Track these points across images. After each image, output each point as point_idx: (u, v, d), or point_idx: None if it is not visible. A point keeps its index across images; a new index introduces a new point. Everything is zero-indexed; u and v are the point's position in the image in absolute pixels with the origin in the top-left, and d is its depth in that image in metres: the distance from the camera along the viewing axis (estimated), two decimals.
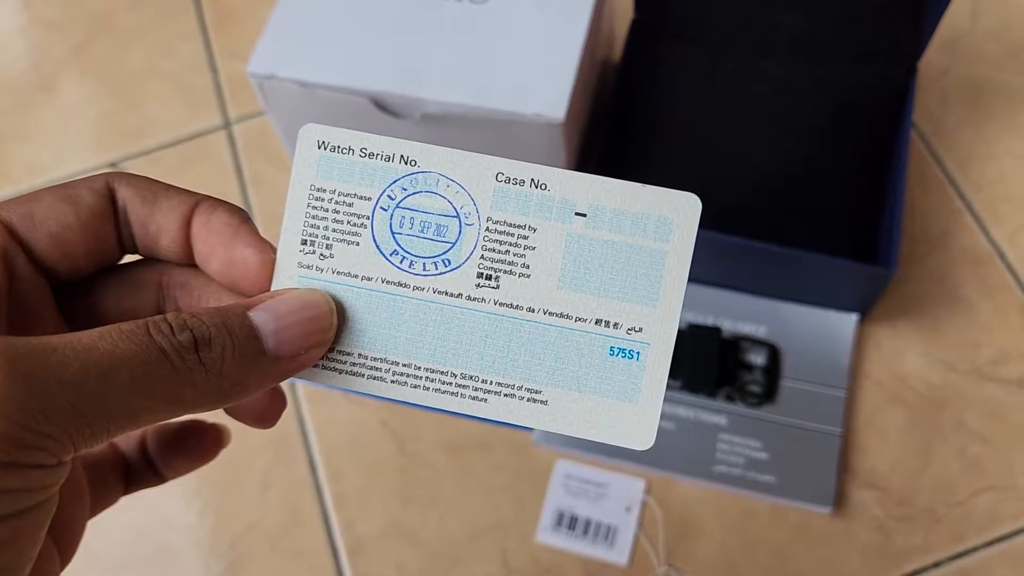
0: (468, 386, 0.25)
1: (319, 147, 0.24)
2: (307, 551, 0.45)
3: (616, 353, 0.24)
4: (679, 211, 0.24)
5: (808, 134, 0.47)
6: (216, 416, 0.24)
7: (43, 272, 0.22)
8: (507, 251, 0.24)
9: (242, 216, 0.23)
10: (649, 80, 0.48)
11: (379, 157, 0.24)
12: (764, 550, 0.43)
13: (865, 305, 0.46)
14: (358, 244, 0.24)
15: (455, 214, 0.24)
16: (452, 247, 0.24)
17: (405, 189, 0.24)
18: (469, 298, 0.24)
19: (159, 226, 0.23)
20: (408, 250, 0.24)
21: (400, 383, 0.25)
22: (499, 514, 0.45)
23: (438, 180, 0.24)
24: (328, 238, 0.24)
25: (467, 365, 0.25)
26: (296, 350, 0.22)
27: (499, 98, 0.41)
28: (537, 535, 0.44)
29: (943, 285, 0.49)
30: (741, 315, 0.47)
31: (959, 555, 0.43)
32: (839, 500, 0.44)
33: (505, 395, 0.24)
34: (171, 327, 0.20)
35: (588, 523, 0.44)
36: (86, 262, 0.23)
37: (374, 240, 0.24)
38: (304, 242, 0.24)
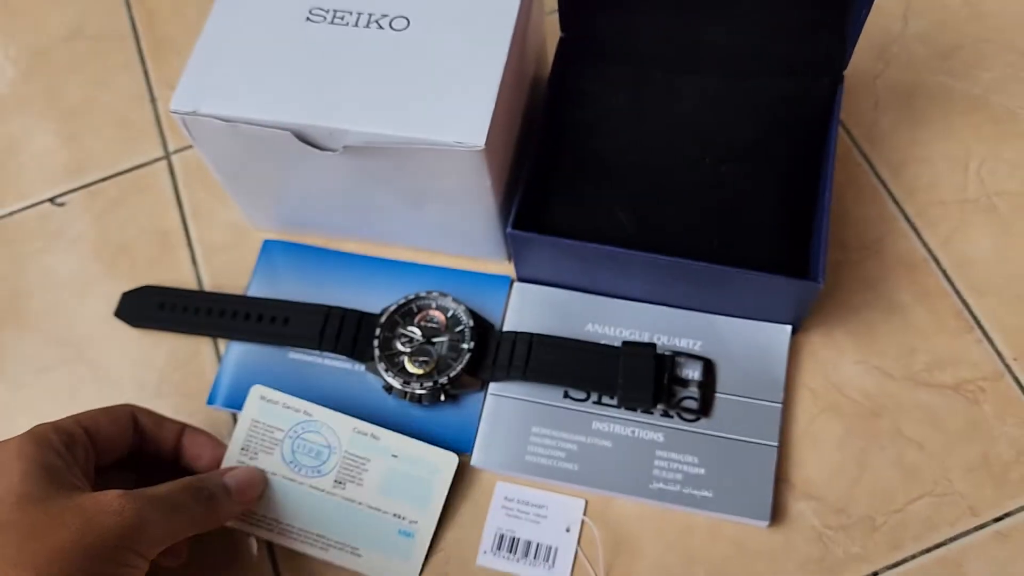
0: (319, 541, 0.44)
1: (260, 399, 0.46)
2: None
3: (401, 533, 0.44)
4: (444, 460, 0.45)
5: (736, 148, 0.47)
6: None
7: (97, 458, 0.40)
8: (352, 470, 0.44)
9: (211, 435, 0.44)
10: (577, 99, 0.49)
11: (291, 408, 0.45)
12: (703, 566, 0.43)
13: (798, 316, 0.46)
14: (271, 454, 0.45)
15: (327, 445, 0.45)
16: (323, 464, 0.45)
17: (303, 428, 0.45)
18: (328, 492, 0.44)
19: (163, 439, 0.43)
20: (299, 462, 0.45)
21: (282, 534, 0.44)
22: (440, 539, 0.45)
23: (321, 426, 0.45)
24: (256, 449, 0.45)
25: (322, 528, 0.44)
26: (246, 499, 0.42)
27: (419, 127, 0.41)
28: (478, 559, 0.44)
29: (878, 292, 0.49)
30: (676, 330, 0.47)
31: (897, 563, 0.43)
32: (776, 512, 0.44)
33: (338, 549, 0.44)
34: (201, 486, 0.40)
35: (528, 545, 0.44)
36: (119, 455, 0.41)
37: (281, 454, 0.45)
38: (243, 449, 0.45)
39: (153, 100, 0.59)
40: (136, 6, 0.63)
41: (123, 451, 0.41)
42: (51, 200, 0.56)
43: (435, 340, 0.47)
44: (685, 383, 0.46)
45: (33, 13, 0.63)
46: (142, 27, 0.62)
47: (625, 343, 0.46)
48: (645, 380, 0.45)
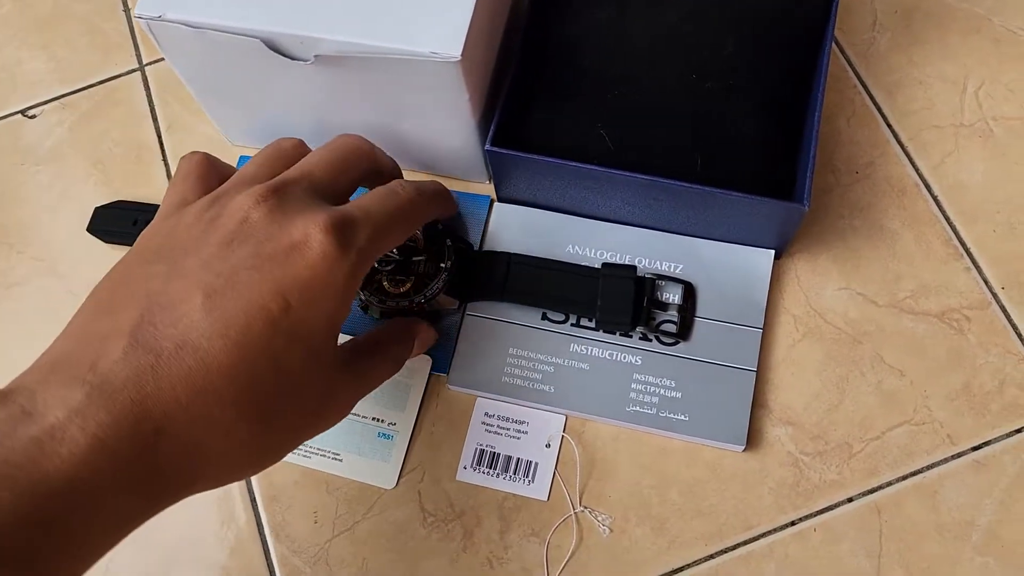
0: (302, 448, 0.45)
1: None
2: (222, 500, 0.45)
3: (381, 435, 0.45)
4: (418, 363, 0.46)
5: (723, 64, 0.45)
6: None
7: None
8: None
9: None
10: (560, 12, 0.47)
11: None
12: (677, 488, 0.43)
13: (782, 240, 0.45)
14: None
15: None
16: None
17: None
18: None
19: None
20: None
21: None
22: (418, 457, 0.45)
23: None
24: None
25: None
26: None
27: (392, 36, 0.39)
28: (457, 474, 0.44)
29: (866, 218, 0.48)
30: (657, 253, 0.46)
31: (872, 490, 0.43)
32: (753, 437, 0.44)
33: (320, 455, 0.45)
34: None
35: (508, 460, 0.44)
36: None
37: None
38: None
39: (126, 9, 0.57)
40: None
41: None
42: (23, 112, 0.54)
43: (413, 259, 0.46)
44: (664, 306, 0.45)
45: None
46: None
47: (605, 264, 0.45)
48: (624, 302, 0.44)
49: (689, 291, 0.45)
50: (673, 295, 0.45)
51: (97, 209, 0.50)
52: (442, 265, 0.45)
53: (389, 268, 0.45)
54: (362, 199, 0.36)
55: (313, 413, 0.34)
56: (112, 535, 0.29)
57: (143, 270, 0.32)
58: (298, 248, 0.32)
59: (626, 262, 0.46)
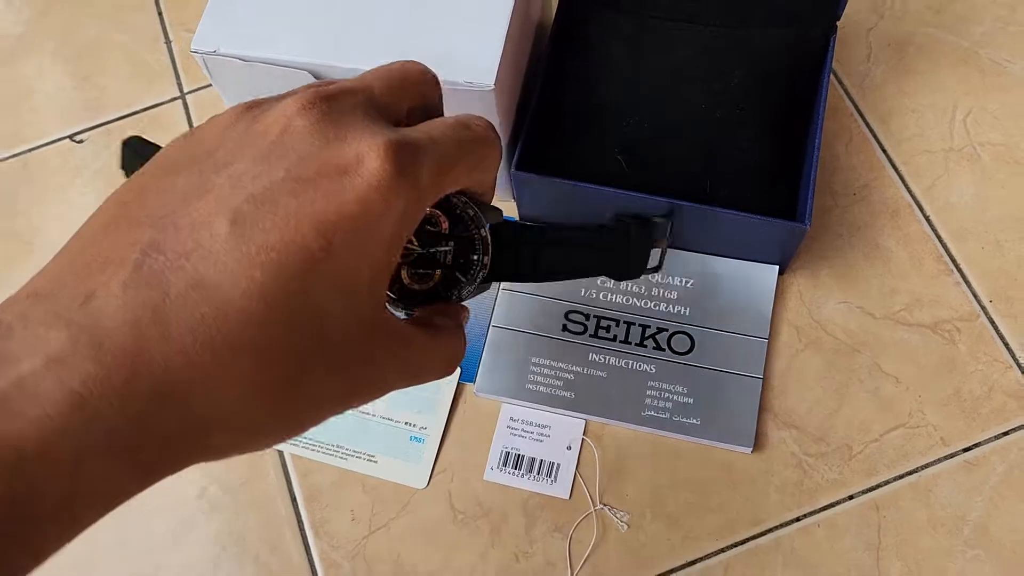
0: (339, 451, 0.49)
1: None
2: (265, 499, 0.48)
3: (413, 439, 0.49)
4: (453, 375, 0.47)
5: (730, 95, 0.49)
6: None
7: None
8: None
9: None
10: (579, 45, 0.50)
11: None
12: (689, 488, 0.46)
13: (785, 257, 0.49)
14: None
15: None
16: None
17: None
18: None
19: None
20: None
21: (306, 448, 0.49)
22: (448, 460, 0.48)
23: None
24: None
25: (341, 440, 0.49)
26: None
27: (432, 68, 0.43)
28: (485, 474, 0.47)
29: (863, 236, 0.51)
30: (671, 268, 0.50)
31: (871, 488, 0.46)
32: (760, 440, 0.47)
33: (356, 457, 0.48)
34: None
35: (532, 461, 0.47)
36: None
37: None
38: None
39: (168, 41, 0.60)
40: None
41: None
42: (71, 137, 0.58)
43: (439, 249, 0.39)
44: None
45: None
46: None
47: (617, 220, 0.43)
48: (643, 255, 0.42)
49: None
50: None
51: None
52: (475, 258, 0.37)
53: (410, 259, 0.38)
54: (427, 124, 0.28)
55: (347, 383, 0.27)
56: (92, 513, 0.23)
57: (160, 181, 0.24)
58: (348, 173, 0.25)
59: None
